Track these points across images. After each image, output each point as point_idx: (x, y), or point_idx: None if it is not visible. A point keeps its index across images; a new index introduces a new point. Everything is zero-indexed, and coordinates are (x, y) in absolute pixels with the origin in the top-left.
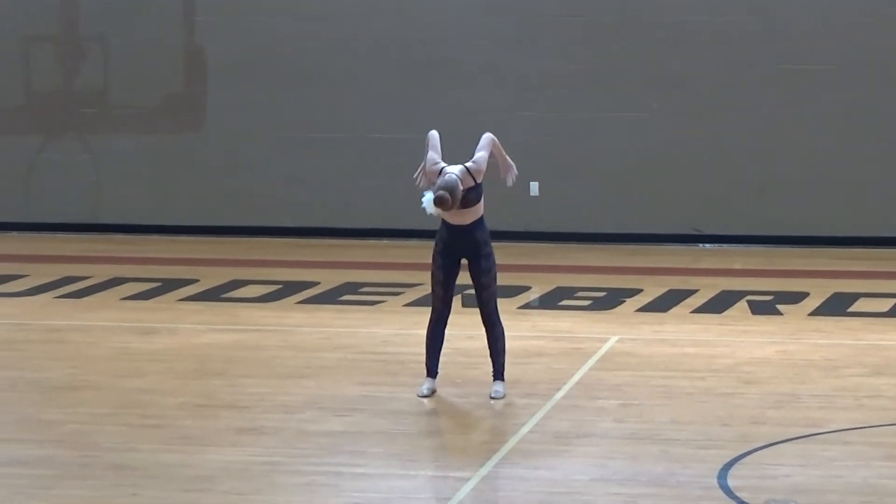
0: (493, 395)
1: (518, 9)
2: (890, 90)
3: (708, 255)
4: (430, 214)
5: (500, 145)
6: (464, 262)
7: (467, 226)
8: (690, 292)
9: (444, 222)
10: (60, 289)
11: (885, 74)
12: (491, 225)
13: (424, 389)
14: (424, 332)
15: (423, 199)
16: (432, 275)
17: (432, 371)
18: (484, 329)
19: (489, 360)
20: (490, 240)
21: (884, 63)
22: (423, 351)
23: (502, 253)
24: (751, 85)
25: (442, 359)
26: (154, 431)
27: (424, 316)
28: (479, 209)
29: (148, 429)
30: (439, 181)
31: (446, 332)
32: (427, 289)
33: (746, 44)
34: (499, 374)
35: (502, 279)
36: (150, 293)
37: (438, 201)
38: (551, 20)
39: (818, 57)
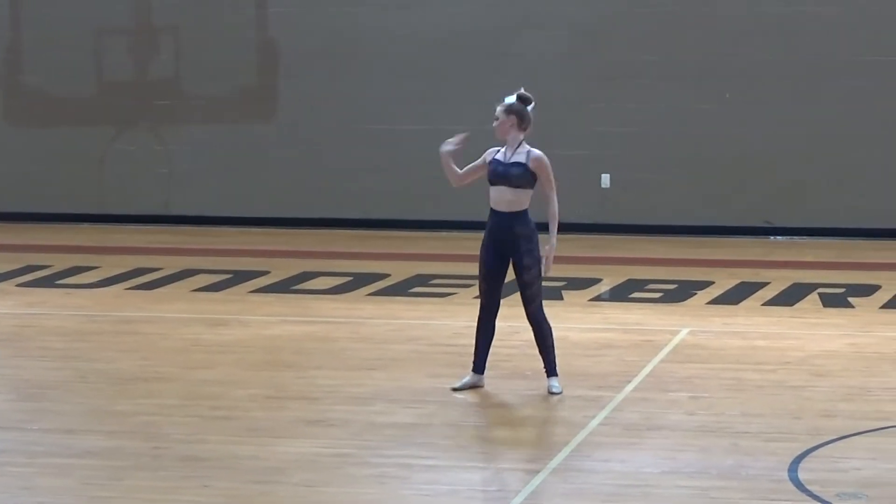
0: (551, 391)
1: (593, 1)
2: None
3: (779, 248)
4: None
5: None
6: None
7: (508, 215)
8: (762, 285)
9: (491, 210)
10: (131, 280)
11: None
12: (562, 217)
13: (458, 382)
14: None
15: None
16: (478, 268)
17: (477, 367)
18: (530, 327)
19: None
20: (535, 238)
21: None
22: (495, 344)
23: (573, 245)
24: (825, 75)
25: (511, 351)
26: (224, 423)
27: None
28: (524, 200)
29: (218, 420)
30: None
31: (497, 325)
32: None
33: (822, 34)
34: (552, 370)
35: (574, 271)
36: (220, 285)
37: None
38: (624, 12)
39: (894, 46)
